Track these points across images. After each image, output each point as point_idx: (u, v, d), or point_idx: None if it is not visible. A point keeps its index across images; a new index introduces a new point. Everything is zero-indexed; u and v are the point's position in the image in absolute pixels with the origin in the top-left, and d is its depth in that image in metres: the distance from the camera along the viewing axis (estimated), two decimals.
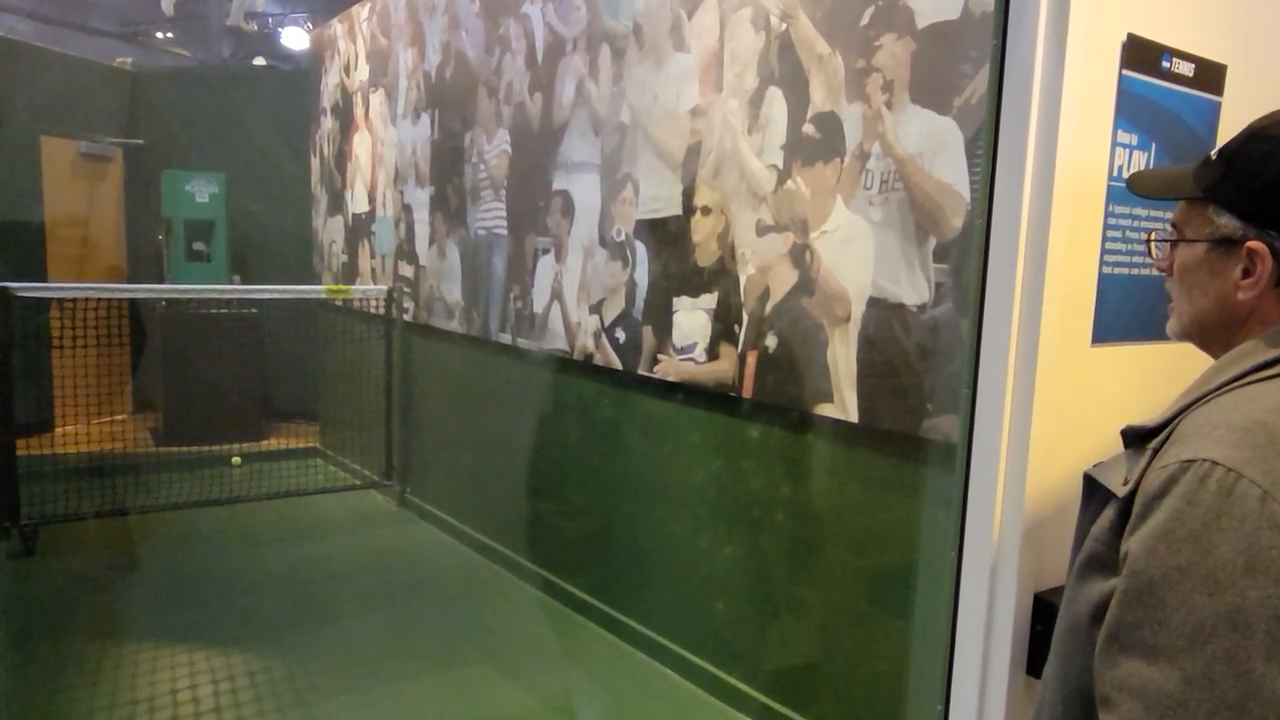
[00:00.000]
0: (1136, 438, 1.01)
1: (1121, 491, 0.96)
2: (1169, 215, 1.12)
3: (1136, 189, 1.16)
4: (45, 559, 4.48)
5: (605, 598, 3.74)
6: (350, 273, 6.10)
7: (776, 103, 2.83)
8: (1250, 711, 0.80)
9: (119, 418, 6.73)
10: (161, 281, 6.64)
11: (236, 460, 6.15)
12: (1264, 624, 0.81)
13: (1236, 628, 0.82)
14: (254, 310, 6.63)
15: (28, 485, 4.63)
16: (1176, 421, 0.96)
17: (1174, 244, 1.07)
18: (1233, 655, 0.81)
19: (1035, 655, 1.31)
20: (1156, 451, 0.95)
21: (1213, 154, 1.01)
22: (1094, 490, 1.03)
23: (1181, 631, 0.84)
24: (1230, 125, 1.45)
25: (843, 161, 2.63)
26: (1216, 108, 1.44)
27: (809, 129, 2.73)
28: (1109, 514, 0.98)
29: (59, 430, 6.09)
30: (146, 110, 7.38)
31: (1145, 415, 1.03)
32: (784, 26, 2.80)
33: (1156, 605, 0.86)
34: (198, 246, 6.55)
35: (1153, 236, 1.17)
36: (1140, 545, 0.89)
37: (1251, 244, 0.97)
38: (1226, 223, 0.99)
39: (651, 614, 3.49)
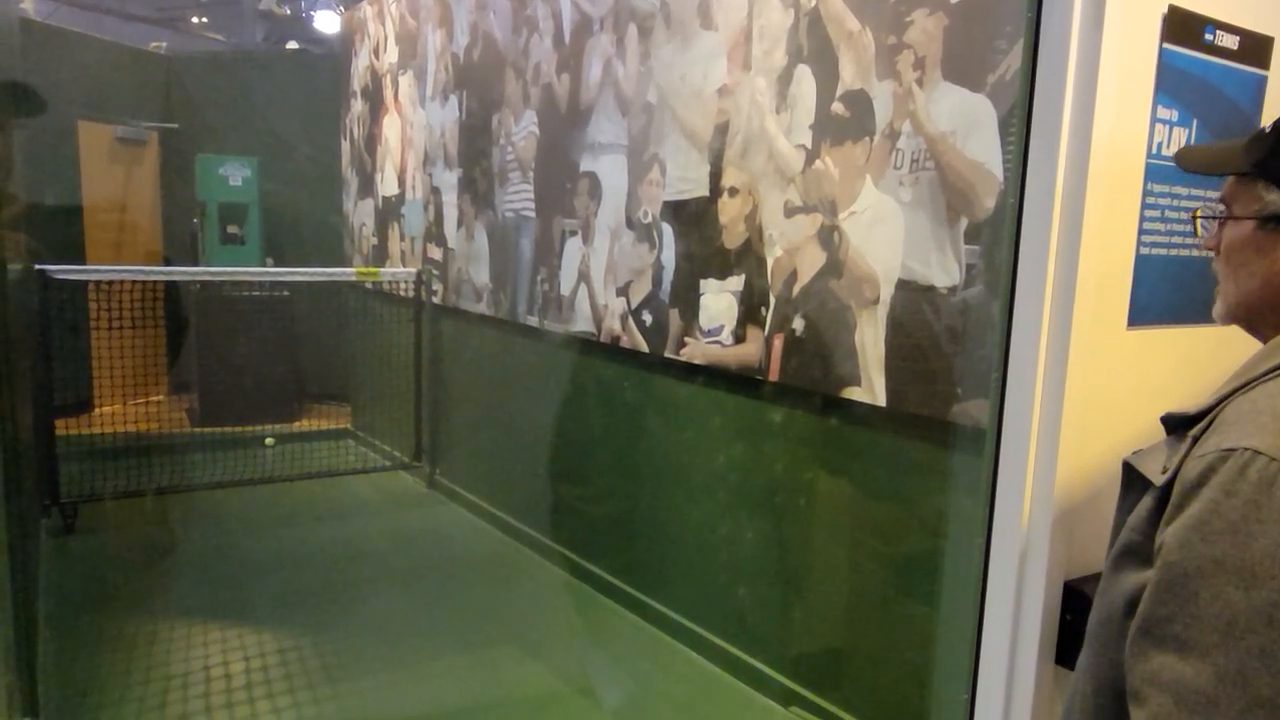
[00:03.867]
0: (1177, 425, 0.97)
1: (1159, 480, 0.94)
2: (1211, 195, 1.07)
3: (1184, 164, 1.12)
4: (84, 537, 4.58)
5: (630, 580, 3.74)
6: (380, 255, 6.14)
7: (805, 81, 2.79)
8: None
9: (156, 399, 6.85)
10: (196, 264, 6.73)
11: (270, 441, 6.24)
12: None
13: (1273, 623, 0.79)
14: (286, 293, 6.70)
15: (67, 465, 4.75)
16: (1219, 409, 0.93)
17: (1221, 222, 1.02)
18: (1268, 651, 0.79)
19: (1065, 645, 1.28)
20: (1197, 440, 0.92)
21: (1265, 127, 0.97)
22: (1133, 478, 1.00)
23: (1215, 626, 0.82)
24: (1277, 100, 1.40)
25: (872, 141, 2.58)
26: (1262, 82, 1.39)
27: (838, 107, 2.69)
28: (1146, 503, 0.95)
29: (97, 411, 6.21)
30: (181, 94, 7.47)
31: (1183, 400, 1.00)
32: (813, 3, 2.75)
33: (1190, 598, 0.84)
34: (232, 230, 6.64)
35: (1199, 213, 1.12)
36: (1175, 536, 0.87)
37: None
38: (1276, 199, 0.95)
39: (676, 596, 3.50)
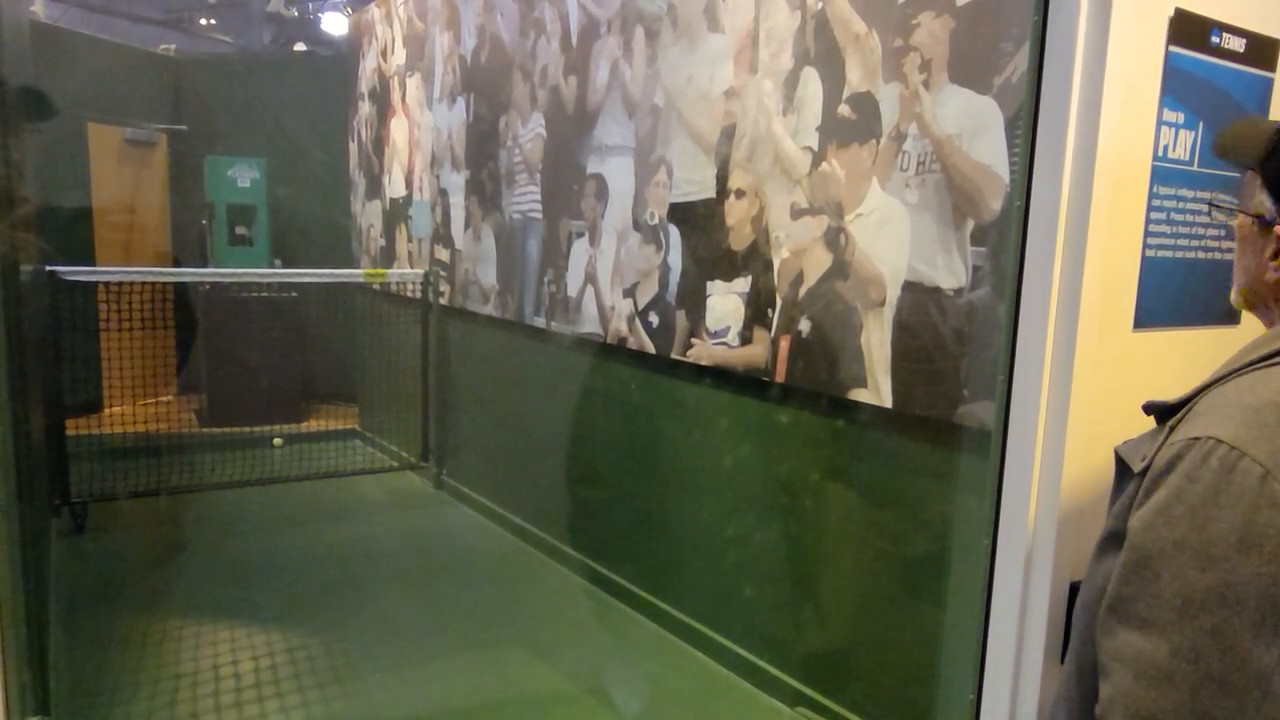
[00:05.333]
0: (1160, 415, 1.01)
1: (1138, 467, 0.97)
2: (1221, 197, 1.09)
3: (1216, 143, 1.12)
4: (94, 536, 4.61)
5: (637, 580, 3.75)
6: (388, 256, 6.16)
7: (812, 83, 2.79)
8: (1234, 685, 0.82)
9: (165, 399, 6.88)
10: (205, 265, 6.76)
11: (278, 441, 6.27)
12: (1254, 600, 0.82)
13: (1226, 603, 0.83)
14: (294, 294, 6.73)
15: (77, 465, 4.77)
16: (1195, 400, 0.96)
17: (1232, 212, 1.06)
18: (1220, 630, 0.83)
19: (1070, 645, 1.29)
20: (1174, 429, 0.95)
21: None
22: (1123, 468, 1.04)
23: (1172, 604, 0.86)
24: None
25: (879, 143, 2.59)
26: (1269, 84, 1.39)
27: (844, 110, 2.69)
28: (1129, 490, 0.98)
29: (107, 411, 6.24)
30: (190, 96, 7.50)
31: None
32: (820, 5, 2.75)
33: (1151, 578, 0.88)
34: (240, 231, 6.66)
35: (1214, 198, 1.15)
36: (1140, 520, 0.91)
37: (1278, 229, 0.96)
38: (1263, 201, 0.98)
39: (684, 598, 3.50)
